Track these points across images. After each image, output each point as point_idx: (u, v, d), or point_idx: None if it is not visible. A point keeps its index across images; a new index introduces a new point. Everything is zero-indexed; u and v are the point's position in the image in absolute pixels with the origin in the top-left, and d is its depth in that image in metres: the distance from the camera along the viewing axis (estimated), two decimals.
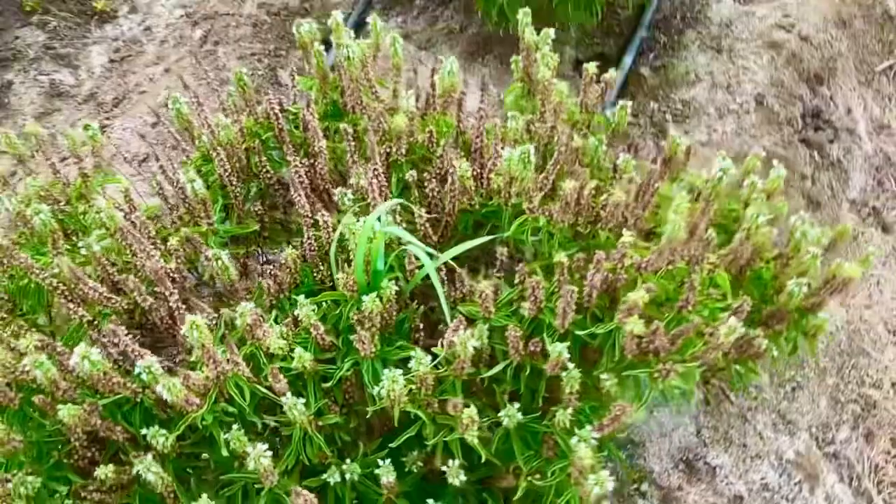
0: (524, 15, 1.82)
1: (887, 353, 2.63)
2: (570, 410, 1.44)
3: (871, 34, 3.39)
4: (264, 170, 1.88)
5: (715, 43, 3.05)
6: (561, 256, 1.46)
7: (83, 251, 1.67)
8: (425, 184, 1.72)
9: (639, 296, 1.34)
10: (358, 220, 1.53)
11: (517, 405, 1.49)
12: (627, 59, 2.97)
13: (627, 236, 1.43)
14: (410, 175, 1.69)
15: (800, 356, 2.55)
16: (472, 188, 1.73)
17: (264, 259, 2.05)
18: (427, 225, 1.69)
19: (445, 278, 1.64)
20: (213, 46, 3.24)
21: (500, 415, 1.47)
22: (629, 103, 1.84)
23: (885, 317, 2.72)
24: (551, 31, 1.84)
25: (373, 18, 1.89)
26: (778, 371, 2.45)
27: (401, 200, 1.62)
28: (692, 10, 3.18)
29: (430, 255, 1.61)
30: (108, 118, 3.25)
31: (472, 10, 2.90)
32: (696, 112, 2.87)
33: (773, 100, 2.88)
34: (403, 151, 1.78)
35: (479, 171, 1.76)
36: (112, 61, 3.72)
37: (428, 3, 3.28)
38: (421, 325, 1.63)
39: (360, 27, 3.26)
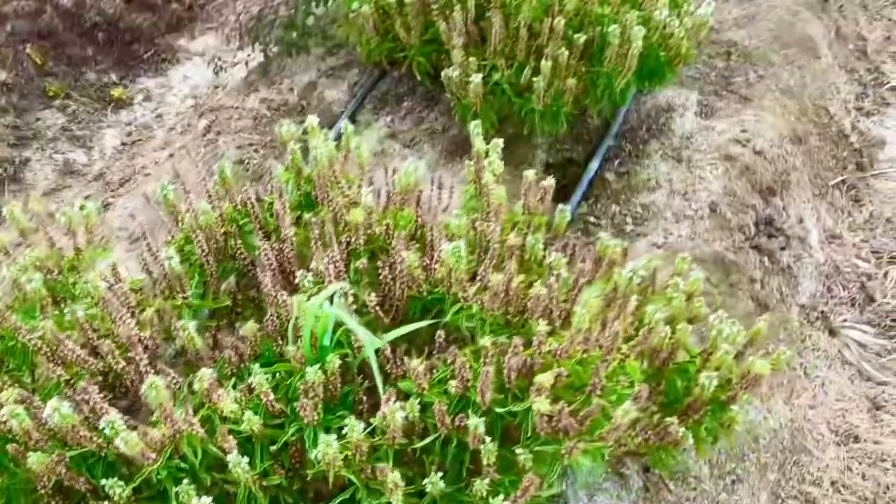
0: (475, 126, 2.06)
1: (829, 453, 2.75)
2: (487, 481, 1.60)
3: (826, 150, 3.64)
4: (239, 252, 2.10)
5: (676, 153, 3.30)
6: (486, 341, 1.65)
7: (68, 317, 1.87)
8: (378, 271, 1.92)
9: (546, 377, 1.52)
10: (310, 300, 1.72)
11: (442, 475, 1.64)
12: (594, 164, 3.22)
13: (543, 325, 1.62)
14: (361, 263, 1.89)
15: (741, 450, 2.69)
16: (421, 277, 1.93)
17: (236, 334, 2.24)
18: (378, 308, 1.88)
19: (391, 356, 1.82)
20: (215, 136, 3.52)
21: (424, 482, 1.62)
22: (568, 208, 2.05)
23: (829, 417, 2.85)
24: (500, 141, 2.08)
25: (345, 125, 2.14)
26: (717, 463, 2.57)
27: (343, 284, 1.81)
28: (657, 122, 3.46)
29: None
30: (112, 196, 3.50)
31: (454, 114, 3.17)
32: (655, 216, 3.09)
33: (725, 207, 3.10)
34: (362, 241, 1.99)
35: (428, 261, 1.97)
36: (123, 144, 4.02)
37: (415, 105, 3.57)
38: (365, 399, 1.80)
39: (352, 123, 3.54)
